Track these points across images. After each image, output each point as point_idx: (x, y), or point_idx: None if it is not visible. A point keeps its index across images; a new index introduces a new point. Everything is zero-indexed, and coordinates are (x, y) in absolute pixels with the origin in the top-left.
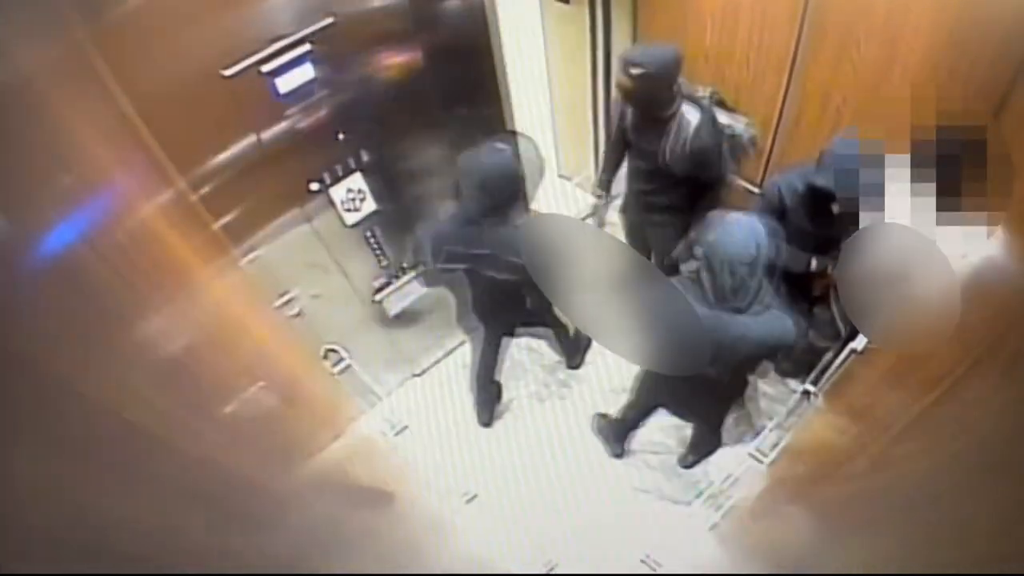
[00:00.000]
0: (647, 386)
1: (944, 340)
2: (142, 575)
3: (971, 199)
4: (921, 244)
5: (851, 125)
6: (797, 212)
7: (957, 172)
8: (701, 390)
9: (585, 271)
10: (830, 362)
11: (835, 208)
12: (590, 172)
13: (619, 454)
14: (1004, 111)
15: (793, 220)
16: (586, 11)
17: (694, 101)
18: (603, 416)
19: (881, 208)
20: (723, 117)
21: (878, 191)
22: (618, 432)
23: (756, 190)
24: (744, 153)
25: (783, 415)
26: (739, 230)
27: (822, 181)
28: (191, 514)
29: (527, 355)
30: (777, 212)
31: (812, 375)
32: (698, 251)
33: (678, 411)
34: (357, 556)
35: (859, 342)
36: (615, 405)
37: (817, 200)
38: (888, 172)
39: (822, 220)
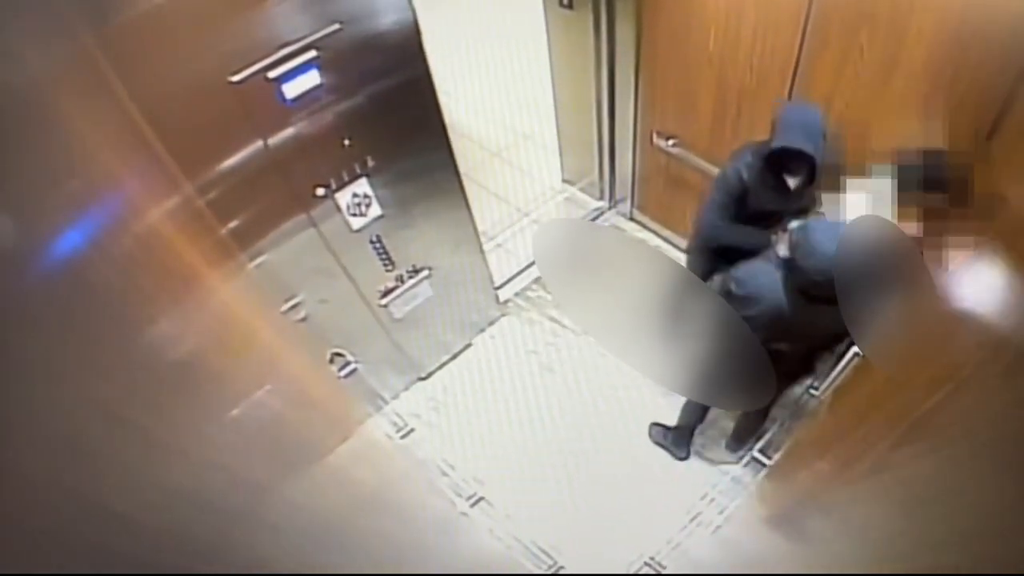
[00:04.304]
0: None
1: (930, 363)
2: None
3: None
4: (912, 254)
5: (854, 129)
6: (757, 190)
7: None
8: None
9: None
10: (834, 364)
11: (791, 183)
12: (594, 177)
13: (685, 457)
14: (1005, 117)
15: (753, 200)
16: (589, 16)
17: None
18: (659, 425)
19: (843, 169)
20: None
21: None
22: (683, 435)
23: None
24: None
25: (787, 417)
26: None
27: (786, 142)
28: (197, 517)
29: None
30: (738, 195)
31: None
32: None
33: None
34: (363, 558)
35: None
36: (616, 404)
37: (775, 171)
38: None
39: (779, 195)
